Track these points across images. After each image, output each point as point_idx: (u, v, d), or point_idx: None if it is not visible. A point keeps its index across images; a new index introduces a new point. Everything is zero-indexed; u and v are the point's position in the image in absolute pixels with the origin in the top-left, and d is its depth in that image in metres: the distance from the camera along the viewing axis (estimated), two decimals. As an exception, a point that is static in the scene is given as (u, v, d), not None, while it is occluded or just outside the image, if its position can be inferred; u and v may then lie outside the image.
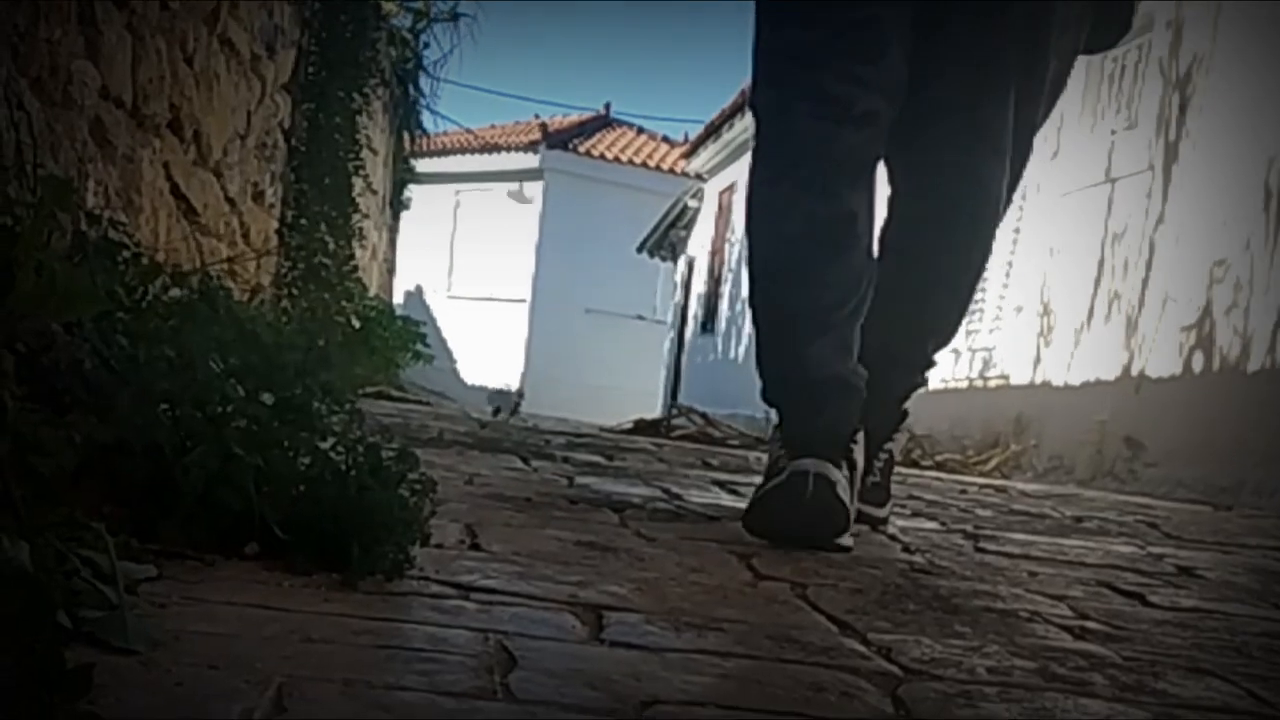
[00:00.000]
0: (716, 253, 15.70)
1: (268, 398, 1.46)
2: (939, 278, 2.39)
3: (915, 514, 2.83)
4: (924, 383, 2.53)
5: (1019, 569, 2.17)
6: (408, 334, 9.95)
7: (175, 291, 4.14)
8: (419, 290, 19.69)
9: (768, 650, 1.34)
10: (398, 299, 14.64)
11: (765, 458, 4.29)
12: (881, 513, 2.47)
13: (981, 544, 2.46)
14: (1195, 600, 2.02)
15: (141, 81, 3.93)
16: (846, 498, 2.06)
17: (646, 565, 1.77)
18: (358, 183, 7.51)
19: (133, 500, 1.41)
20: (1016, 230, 7.26)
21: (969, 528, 2.70)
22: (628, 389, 18.49)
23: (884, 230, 2.39)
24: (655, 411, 16.47)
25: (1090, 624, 1.70)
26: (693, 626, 1.40)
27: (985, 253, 2.42)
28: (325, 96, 6.51)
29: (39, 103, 3.15)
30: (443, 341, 18.59)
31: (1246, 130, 5.69)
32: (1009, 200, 2.40)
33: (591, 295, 20.22)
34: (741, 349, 14.03)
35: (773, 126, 2.25)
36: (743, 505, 2.56)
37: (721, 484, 3.08)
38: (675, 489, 2.82)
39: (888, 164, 2.37)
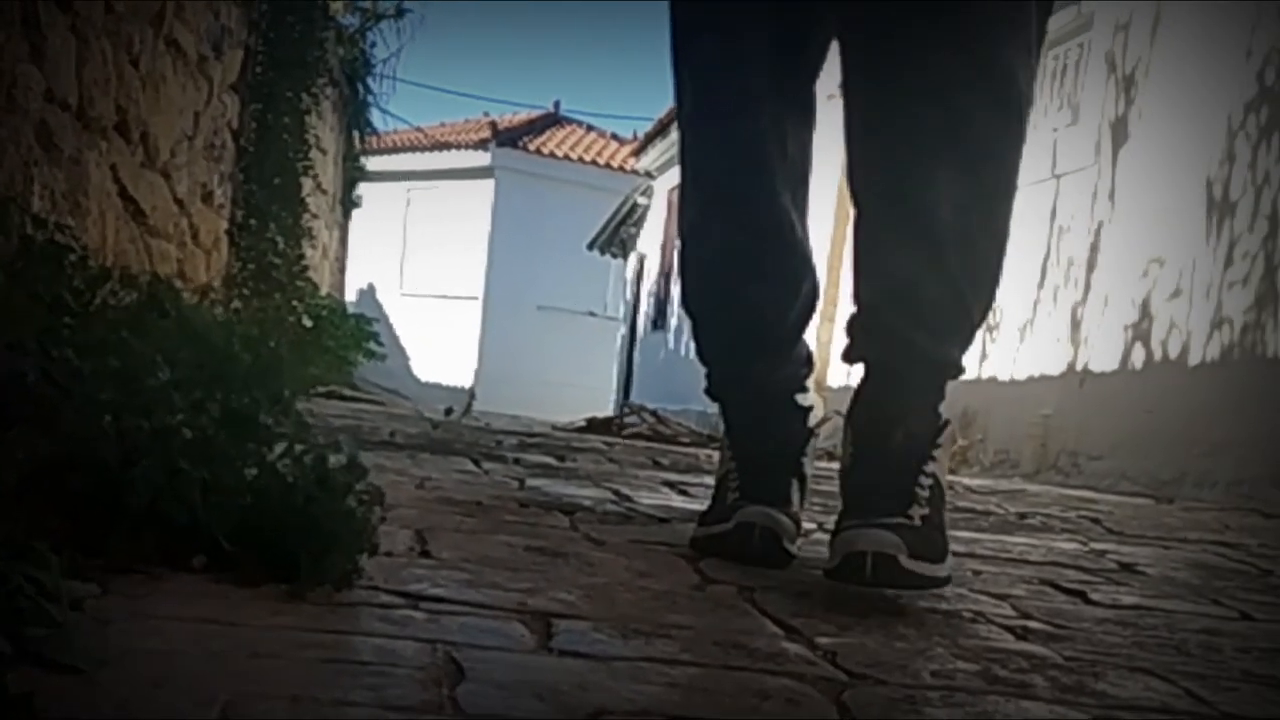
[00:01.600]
0: (667, 250, 15.74)
1: (214, 409, 1.46)
2: (957, 207, 1.77)
3: (863, 513, 2.85)
4: (959, 365, 1.87)
5: (963, 568, 2.20)
6: (360, 332, 9.91)
7: (124, 295, 4.11)
8: (371, 288, 19.60)
9: (714, 657, 1.35)
10: (350, 297, 14.58)
11: (716, 456, 4.32)
12: (940, 570, 1.73)
13: (928, 543, 2.48)
14: (1136, 597, 2.05)
15: (87, 84, 3.90)
16: (792, 546, 1.96)
17: (596, 570, 1.78)
18: (307, 182, 7.48)
19: (79, 514, 1.41)
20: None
21: (916, 526, 2.73)
22: (581, 385, 18.52)
23: (854, 167, 1.87)
24: (608, 408, 16.50)
25: (1032, 623, 1.73)
26: (640, 633, 1.41)
27: (1013, 166, 1.84)
28: (273, 97, 6.48)
29: (-19, 107, 3.13)
30: (396, 339, 18.53)
31: (1188, 129, 5.78)
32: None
33: (543, 292, 20.22)
34: (692, 346, 14.00)
35: (680, 140, 2.10)
36: (693, 506, 2.58)
37: (671, 484, 3.10)
38: (625, 490, 2.83)
39: (846, 73, 1.88)
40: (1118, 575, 2.31)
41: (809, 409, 2.19)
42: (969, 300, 1.81)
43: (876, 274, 1.83)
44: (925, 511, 1.75)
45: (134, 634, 1.18)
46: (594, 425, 5.49)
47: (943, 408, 1.85)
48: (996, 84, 1.76)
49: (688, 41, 2.02)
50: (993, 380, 7.05)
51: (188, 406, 1.48)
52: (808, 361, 2.20)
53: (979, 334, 1.91)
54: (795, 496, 2.07)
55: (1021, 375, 6.89)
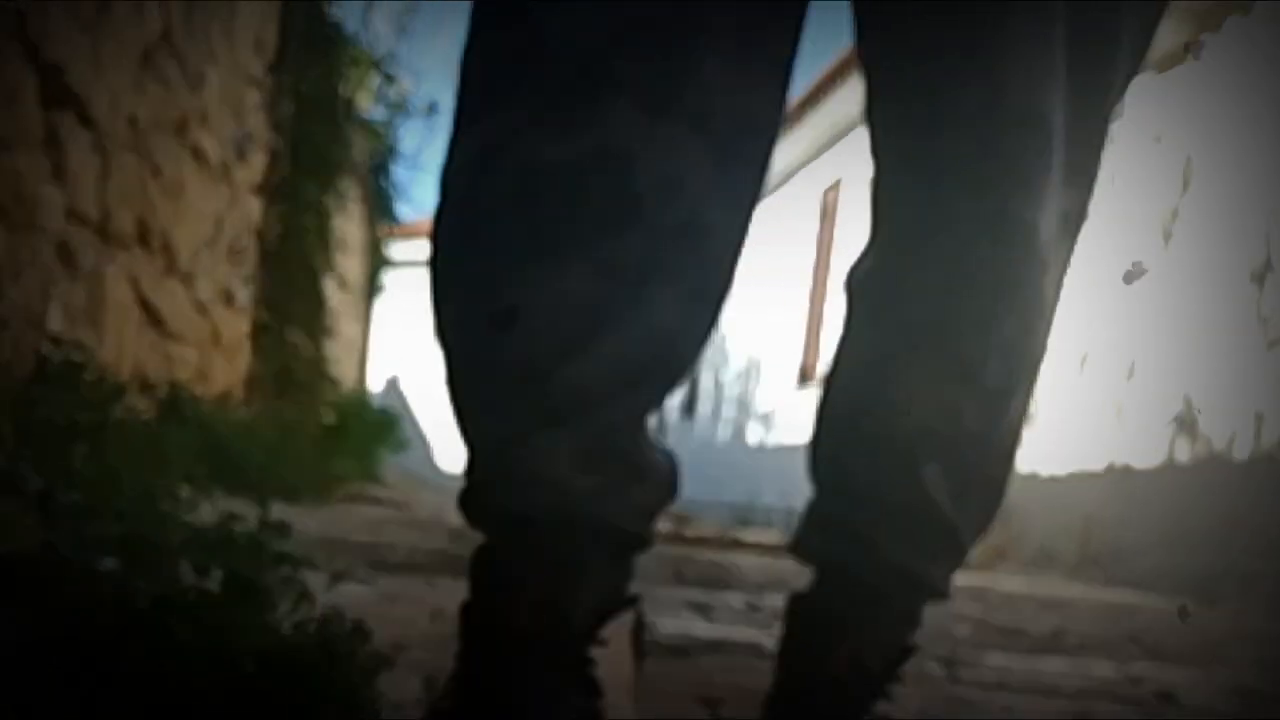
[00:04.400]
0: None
1: (217, 574, 1.43)
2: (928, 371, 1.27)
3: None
4: (942, 588, 1.38)
5: (993, 703, 2.13)
6: (384, 425, 9.91)
7: (141, 407, 4.11)
8: (396, 378, 19.66)
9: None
10: (377, 386, 14.62)
11: (741, 563, 4.23)
12: None
13: (956, 670, 2.42)
14: (1173, 738, 1.98)
15: (108, 198, 3.92)
16: None
17: None
18: (330, 280, 7.50)
19: (79, 682, 1.37)
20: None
21: (944, 650, 2.66)
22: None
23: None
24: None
25: (1065, 777, 1.66)
26: (651, 807, 1.36)
27: (1023, 336, 1.29)
28: (297, 197, 6.52)
29: (3, 231, 3.14)
30: (419, 429, 18.55)
31: (1233, 224, 5.76)
32: (1075, 229, 1.31)
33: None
34: (724, 434, 14.05)
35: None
36: (715, 635, 2.52)
37: (693, 605, 3.03)
38: (645, 615, 2.77)
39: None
40: (1154, 708, 2.23)
41: (629, 560, 1.30)
42: (953, 522, 1.32)
43: (830, 464, 1.36)
44: None
45: (122, 831, 1.13)
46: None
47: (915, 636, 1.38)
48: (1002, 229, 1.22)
49: None
50: (1033, 475, 6.98)
51: (192, 569, 1.45)
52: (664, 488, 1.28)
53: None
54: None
55: (1062, 471, 6.83)
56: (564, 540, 1.19)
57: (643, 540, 1.25)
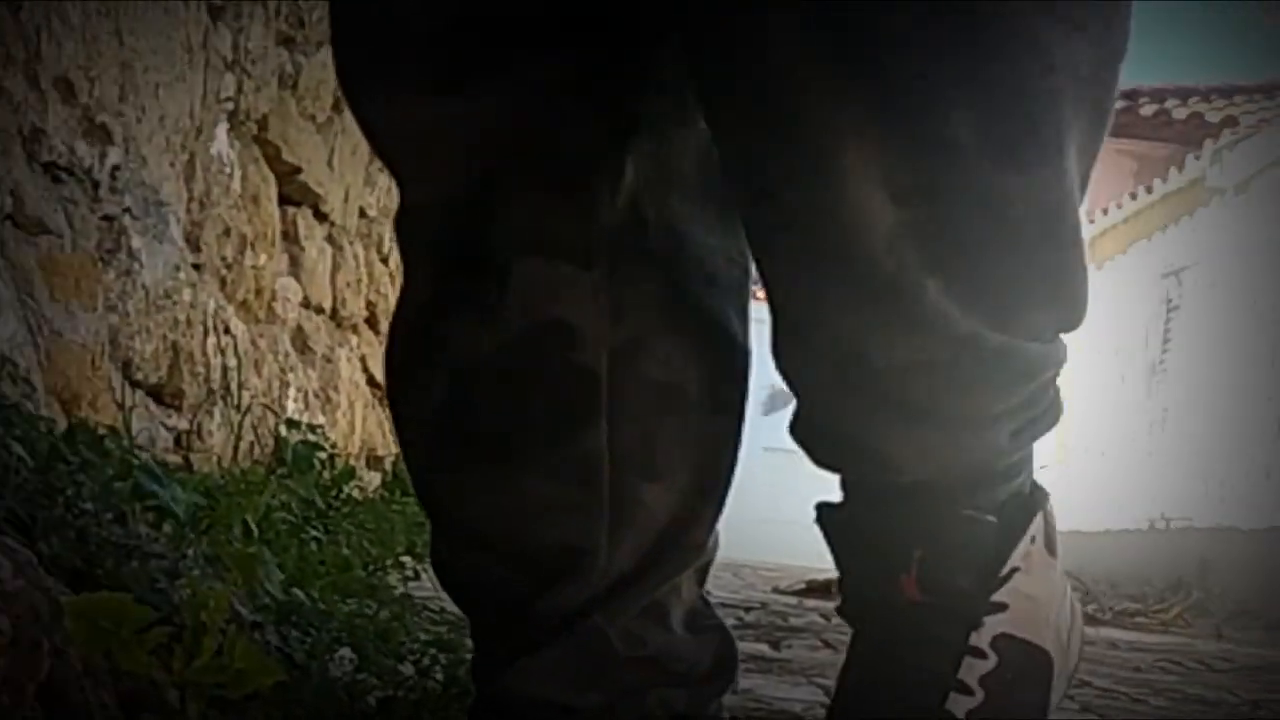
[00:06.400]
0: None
1: (439, 673, 1.62)
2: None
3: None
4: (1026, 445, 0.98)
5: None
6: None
7: (369, 483, 4.42)
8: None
9: None
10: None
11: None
12: None
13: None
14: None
15: (340, 286, 4.26)
16: None
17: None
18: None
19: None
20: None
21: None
22: (804, 523, 18.47)
23: None
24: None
25: None
26: None
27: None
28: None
29: (244, 324, 3.46)
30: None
31: None
32: None
33: (768, 434, 20.36)
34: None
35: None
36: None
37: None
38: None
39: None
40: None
41: None
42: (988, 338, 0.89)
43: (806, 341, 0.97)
44: (975, 703, 0.93)
45: None
46: (814, 588, 5.55)
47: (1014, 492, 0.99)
48: None
49: None
50: (1232, 529, 6.84)
51: (416, 670, 1.64)
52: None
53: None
54: None
55: (1262, 524, 6.68)
56: None
57: None
